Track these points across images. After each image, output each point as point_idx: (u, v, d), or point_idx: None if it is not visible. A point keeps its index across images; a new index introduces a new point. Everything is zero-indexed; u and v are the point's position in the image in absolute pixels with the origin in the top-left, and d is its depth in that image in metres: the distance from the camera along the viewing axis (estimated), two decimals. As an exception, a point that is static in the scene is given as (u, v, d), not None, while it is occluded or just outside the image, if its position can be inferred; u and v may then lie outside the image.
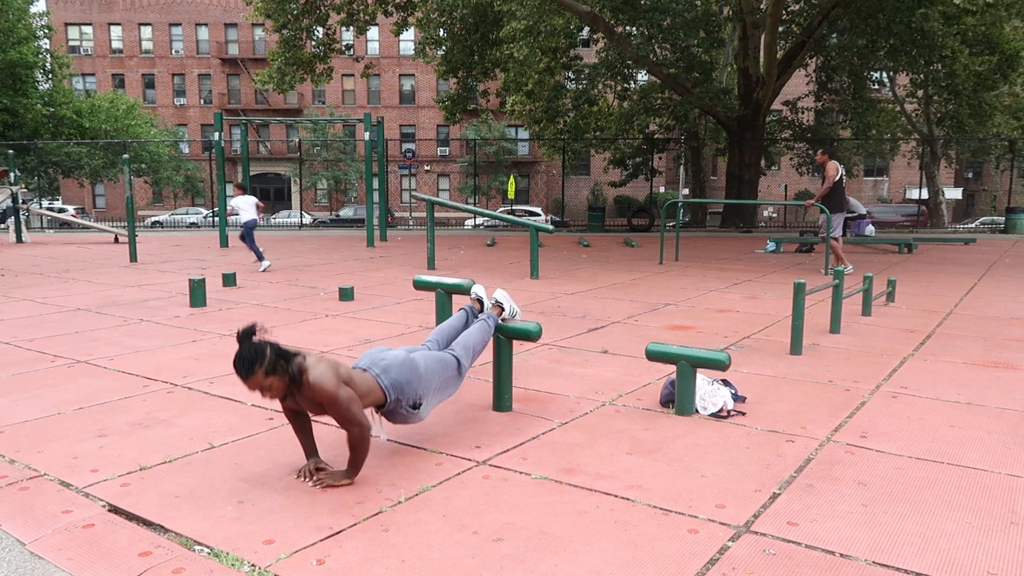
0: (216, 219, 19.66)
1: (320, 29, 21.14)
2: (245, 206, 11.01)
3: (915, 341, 5.68)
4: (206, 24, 47.75)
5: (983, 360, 5.08)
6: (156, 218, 34.90)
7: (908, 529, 2.57)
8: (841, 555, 2.39)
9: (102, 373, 4.73)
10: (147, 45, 48.17)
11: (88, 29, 47.93)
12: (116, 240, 17.22)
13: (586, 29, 22.33)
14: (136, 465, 3.16)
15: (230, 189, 15.07)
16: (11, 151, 17.84)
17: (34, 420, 3.78)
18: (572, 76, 25.24)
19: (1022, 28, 20.61)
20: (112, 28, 47.88)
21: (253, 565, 2.33)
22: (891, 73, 27.82)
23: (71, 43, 47.37)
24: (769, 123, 24.40)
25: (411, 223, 25.51)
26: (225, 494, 2.86)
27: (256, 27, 44.51)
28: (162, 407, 4.00)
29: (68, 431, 3.61)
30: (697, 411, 3.85)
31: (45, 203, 30.44)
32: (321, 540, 2.49)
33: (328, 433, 3.50)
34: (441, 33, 22.14)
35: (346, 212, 36.52)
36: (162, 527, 2.59)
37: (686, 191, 39.95)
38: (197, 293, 7.39)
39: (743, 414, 3.84)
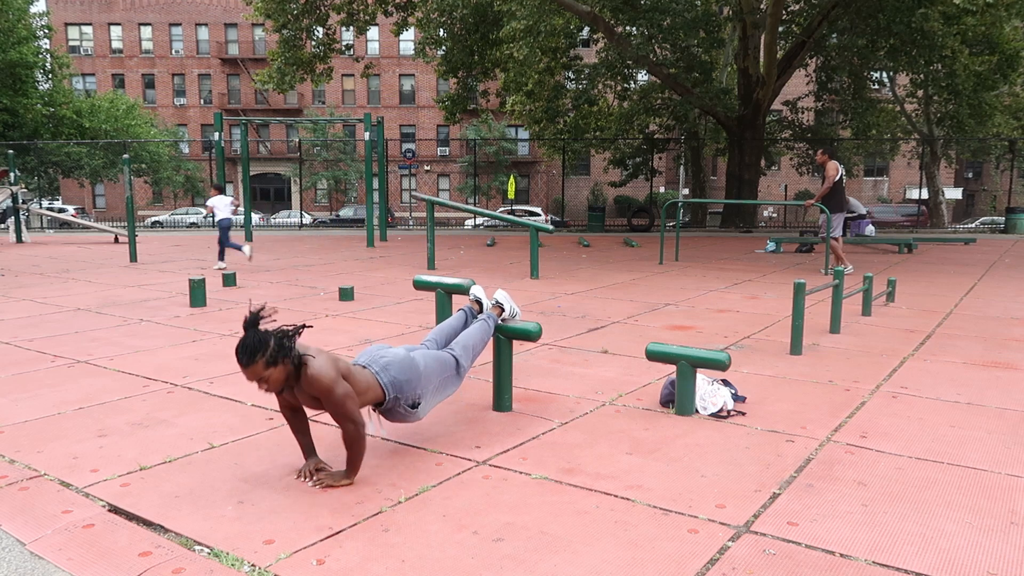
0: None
1: (320, 29, 21.15)
2: (220, 205, 11.18)
3: (915, 341, 5.68)
4: (206, 24, 47.75)
5: (983, 360, 5.08)
6: (156, 218, 34.89)
7: (908, 529, 2.57)
8: (841, 555, 2.39)
9: (102, 373, 4.73)
10: (147, 45, 48.18)
11: (88, 29, 47.93)
12: (116, 240, 17.23)
13: (586, 29, 22.34)
14: (136, 465, 3.16)
15: (229, 189, 15.09)
16: (11, 151, 17.84)
17: (34, 420, 3.78)
18: (572, 76, 25.25)
19: (1022, 28, 20.61)
20: (112, 28, 47.88)
21: (253, 565, 2.33)
22: (891, 73, 27.82)
23: (71, 43, 47.37)
24: (769, 123, 24.40)
25: (411, 223, 25.51)
26: (225, 494, 2.86)
27: (256, 27, 44.52)
28: (162, 407, 4.00)
29: (68, 431, 3.61)
30: (697, 411, 3.85)
31: (45, 203, 30.46)
32: (321, 540, 2.49)
33: (328, 433, 3.50)
34: (441, 33, 22.14)
35: (346, 212, 36.52)
36: (162, 527, 2.59)
37: (686, 191, 39.96)
38: (197, 293, 7.39)
39: (743, 414, 3.84)
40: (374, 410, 3.14)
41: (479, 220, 27.58)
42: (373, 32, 40.91)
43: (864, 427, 3.65)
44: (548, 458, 3.24)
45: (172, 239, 17.72)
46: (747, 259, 12.34)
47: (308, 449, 3.08)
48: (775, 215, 38.71)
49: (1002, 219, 22.41)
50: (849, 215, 13.56)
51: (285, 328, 2.80)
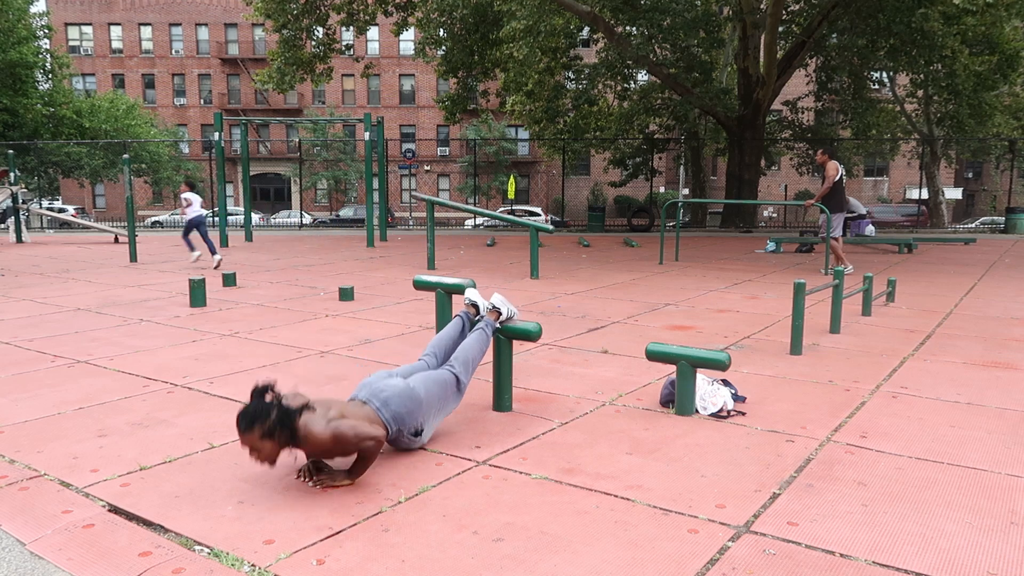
0: (216, 219, 19.66)
1: (320, 29, 21.15)
2: (194, 201, 11.54)
3: (915, 341, 5.68)
4: (206, 24, 47.75)
5: (983, 360, 5.08)
6: (156, 218, 34.87)
7: (908, 529, 2.57)
8: (841, 555, 2.39)
9: (102, 373, 4.73)
10: (147, 45, 48.18)
11: (88, 29, 47.93)
12: (116, 240, 17.23)
13: (586, 29, 22.33)
14: (136, 465, 3.16)
15: (229, 189, 15.17)
16: (11, 151, 17.84)
17: (34, 420, 3.78)
18: (572, 76, 25.25)
19: (1022, 28, 20.61)
20: (112, 28, 47.89)
21: (253, 565, 2.33)
22: (891, 73, 27.82)
23: (71, 43, 47.38)
24: (769, 123, 24.40)
25: (411, 223, 25.51)
26: (225, 494, 2.87)
27: (256, 27, 44.53)
28: (162, 407, 4.00)
29: (68, 431, 3.61)
30: (697, 411, 3.85)
31: (45, 203, 30.45)
32: (321, 540, 2.49)
33: (328, 433, 3.49)
34: (441, 33, 22.14)
35: (346, 212, 36.52)
36: (162, 527, 2.59)
37: (686, 191, 39.96)
38: (197, 293, 7.39)
39: (743, 414, 3.84)
40: None
41: (479, 220, 27.58)
42: (373, 32, 40.92)
43: (864, 427, 3.65)
44: (548, 458, 3.24)
45: (172, 239, 17.72)
46: (747, 259, 12.34)
47: (310, 450, 3.10)
48: (775, 215, 38.72)
49: (1002, 219, 22.41)
50: (849, 215, 13.57)
51: (289, 406, 2.80)
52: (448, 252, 13.67)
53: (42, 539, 2.51)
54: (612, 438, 3.50)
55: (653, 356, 3.95)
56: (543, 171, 47.74)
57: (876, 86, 29.32)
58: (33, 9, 30.36)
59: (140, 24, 47.80)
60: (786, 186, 43.38)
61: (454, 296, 5.00)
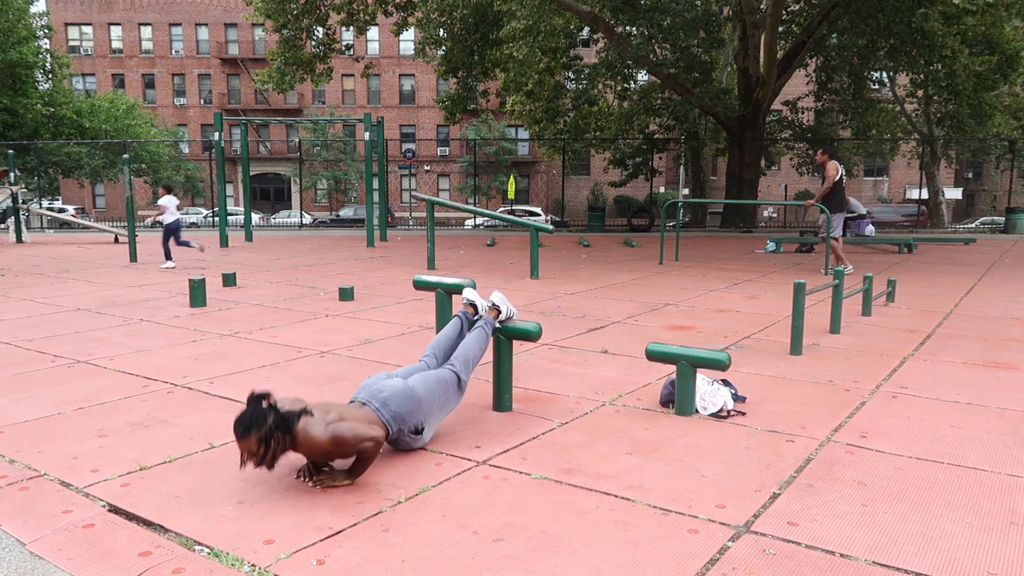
0: (216, 219, 19.66)
1: (320, 29, 21.15)
2: (171, 206, 11.61)
3: (915, 341, 5.68)
4: (206, 24, 47.75)
5: (983, 360, 5.08)
6: (156, 218, 34.86)
7: (908, 529, 2.57)
8: (841, 555, 2.39)
9: (102, 373, 4.73)
10: (147, 45, 48.18)
11: (88, 29, 47.93)
12: (116, 240, 17.23)
13: (586, 29, 22.33)
14: (136, 465, 3.16)
15: (229, 189, 15.17)
16: (11, 151, 17.84)
17: (34, 420, 3.78)
18: (572, 76, 25.25)
19: (1022, 28, 20.60)
20: (112, 28, 47.88)
21: (253, 565, 2.33)
22: (891, 73, 27.82)
23: (71, 43, 47.37)
24: (769, 123, 24.40)
25: (411, 223, 25.51)
26: (225, 494, 2.87)
27: (256, 27, 44.52)
28: (162, 407, 4.00)
29: (68, 431, 3.61)
30: (697, 411, 3.85)
31: (45, 203, 30.45)
32: (321, 540, 2.49)
33: (328, 433, 3.50)
34: (441, 33, 22.14)
35: (346, 212, 36.52)
36: (162, 527, 2.59)
37: (686, 191, 39.96)
38: (197, 293, 7.39)
39: (743, 414, 3.84)
40: None
41: (479, 220, 27.58)
42: (373, 32, 40.92)
43: (864, 427, 3.65)
44: (548, 458, 3.24)
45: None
46: (747, 259, 12.34)
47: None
48: (775, 215, 38.72)
49: (1002, 219, 22.41)
50: (849, 215, 13.56)
51: (287, 411, 2.80)
52: (448, 252, 13.67)
53: (42, 539, 2.51)
54: (612, 438, 3.50)
55: (653, 356, 3.95)
56: (543, 171, 47.74)
57: (876, 86, 29.32)
58: (33, 9, 30.36)
59: (140, 24, 47.80)
60: (786, 186, 43.38)
61: (454, 296, 5.01)
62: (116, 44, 48.04)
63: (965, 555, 2.38)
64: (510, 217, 12.37)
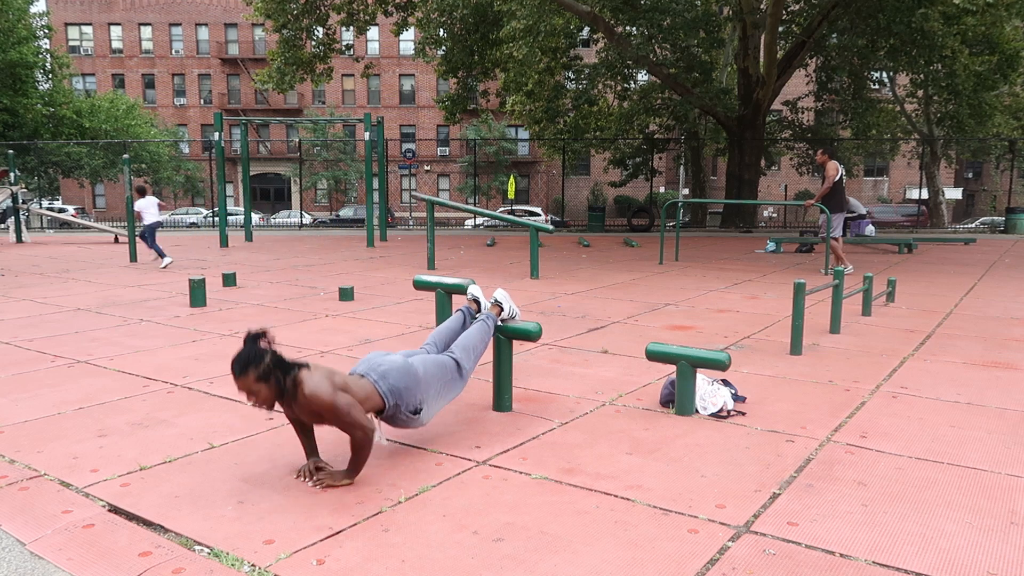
0: (216, 219, 19.66)
1: (320, 29, 21.15)
2: (148, 208, 11.79)
3: (915, 341, 5.68)
4: (206, 24, 47.76)
5: (983, 360, 5.08)
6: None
7: (908, 529, 2.57)
8: (841, 555, 2.39)
9: (102, 373, 4.73)
10: (147, 45, 48.19)
11: (88, 29, 47.93)
12: (116, 240, 17.22)
13: (586, 29, 22.33)
14: (136, 465, 3.16)
15: (229, 189, 15.20)
16: (11, 151, 17.84)
17: (34, 420, 3.78)
18: (572, 76, 25.25)
19: (1022, 28, 20.61)
20: (112, 28, 47.89)
21: (253, 565, 2.33)
22: (891, 73, 27.82)
23: (71, 43, 47.37)
24: (769, 123, 24.40)
25: (411, 223, 25.51)
26: (225, 494, 2.87)
27: (256, 27, 44.52)
28: (162, 407, 4.00)
29: (68, 431, 3.61)
30: (697, 411, 3.85)
31: (45, 203, 30.45)
32: (321, 540, 2.49)
33: (328, 433, 3.49)
34: (441, 33, 22.14)
35: (346, 212, 36.53)
36: (162, 527, 2.59)
37: (686, 191, 39.96)
38: (197, 293, 7.39)
39: (743, 414, 3.84)
40: (376, 417, 3.14)
41: (479, 220, 27.58)
42: (373, 32, 40.91)
43: (864, 427, 3.65)
44: (548, 458, 3.24)
45: (172, 239, 17.71)
46: (747, 259, 12.34)
47: (310, 449, 3.09)
48: (775, 215, 38.71)
49: (1002, 219, 22.41)
50: (849, 215, 13.56)
51: (285, 357, 2.81)
52: (448, 252, 13.67)
53: (42, 539, 2.51)
54: (612, 438, 3.50)
55: (653, 356, 3.95)
56: (543, 171, 47.75)
57: (876, 86, 29.31)
58: (33, 9, 30.36)
59: (140, 24, 47.81)
60: (786, 186, 43.38)
61: (454, 296, 5.01)
62: (116, 44, 48.04)
63: (965, 555, 2.38)
64: (510, 217, 12.37)
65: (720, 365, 3.75)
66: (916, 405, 4.03)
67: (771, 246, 13.86)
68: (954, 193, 40.70)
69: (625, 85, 23.87)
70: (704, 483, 2.96)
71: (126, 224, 15.05)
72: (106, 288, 8.78)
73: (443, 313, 4.94)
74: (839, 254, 9.83)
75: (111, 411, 3.93)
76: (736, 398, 3.98)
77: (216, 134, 15.18)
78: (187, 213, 36.60)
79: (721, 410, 3.82)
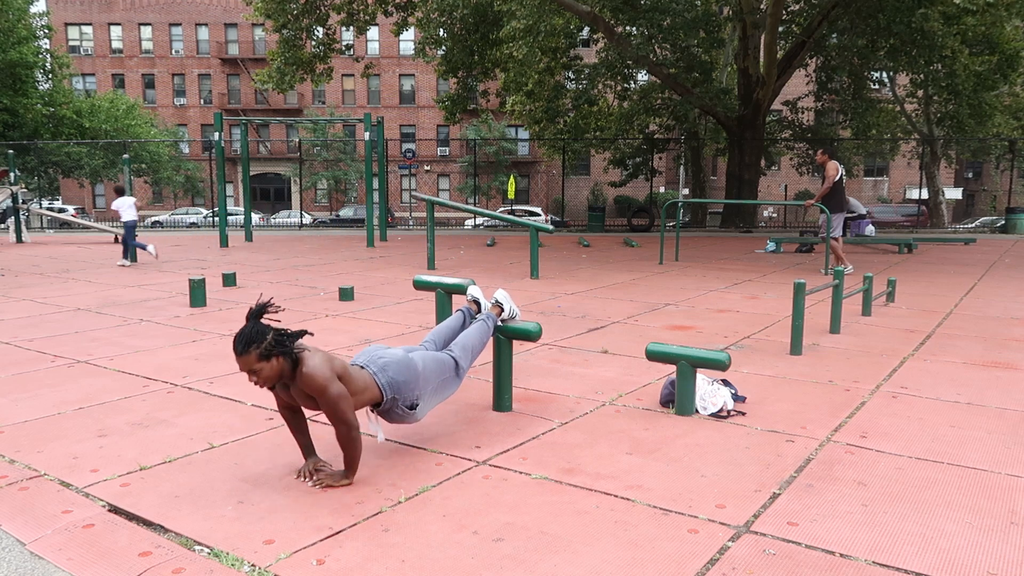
0: (216, 219, 19.66)
1: (320, 29, 21.15)
2: (124, 207, 11.89)
3: (915, 341, 5.68)
4: (206, 24, 47.76)
5: (983, 360, 5.08)
6: (156, 218, 34.89)
7: (908, 529, 2.57)
8: (841, 555, 2.39)
9: (102, 373, 4.73)
10: (147, 45, 48.19)
11: (88, 29, 47.94)
12: (116, 240, 17.19)
13: (586, 29, 22.33)
14: (136, 465, 3.16)
15: (229, 189, 15.22)
16: (11, 151, 17.83)
17: (34, 420, 3.78)
18: (572, 76, 25.24)
19: (1022, 28, 20.60)
20: (112, 28, 47.89)
21: (253, 565, 2.33)
22: (891, 73, 27.82)
23: (71, 43, 47.38)
24: (769, 123, 24.40)
25: (411, 223, 25.50)
26: (225, 494, 2.86)
27: (256, 27, 44.51)
28: (162, 407, 4.00)
29: (68, 431, 3.61)
30: (697, 411, 3.85)
31: (45, 203, 30.45)
32: (321, 540, 2.49)
33: (327, 432, 3.49)
34: (441, 33, 22.14)
35: (346, 212, 36.53)
36: (162, 527, 2.59)
37: (686, 191, 39.96)
38: (197, 293, 7.39)
39: (743, 414, 3.84)
40: (372, 410, 3.14)
41: (479, 220, 27.58)
42: (373, 32, 40.91)
43: (864, 427, 3.65)
44: (548, 458, 3.24)
45: (172, 239, 17.71)
46: (747, 259, 12.34)
47: (307, 449, 3.08)
48: (775, 215, 38.71)
49: (1002, 219, 22.41)
50: (849, 215, 13.56)
51: (287, 330, 2.81)
52: (448, 252, 13.67)
53: (42, 539, 2.51)
54: (612, 438, 3.50)
55: (653, 356, 3.95)
56: (543, 171, 47.75)
57: (876, 86, 29.31)
58: (33, 9, 30.36)
59: (140, 24, 47.81)
60: (786, 186, 43.38)
61: (454, 296, 5.01)
62: (116, 44, 48.05)
63: (965, 555, 2.38)
64: (510, 217, 12.37)
65: (720, 365, 3.75)
66: (916, 405, 4.03)
67: (771, 246, 13.86)
68: (954, 193, 40.70)
69: (625, 85, 23.87)
70: (704, 483, 2.96)
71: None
72: (106, 288, 8.78)
73: (443, 313, 4.94)
74: (839, 254, 9.82)
75: (111, 411, 3.93)
76: (736, 398, 3.98)
77: (216, 134, 15.18)
78: (187, 213, 36.58)
79: (721, 410, 3.82)
